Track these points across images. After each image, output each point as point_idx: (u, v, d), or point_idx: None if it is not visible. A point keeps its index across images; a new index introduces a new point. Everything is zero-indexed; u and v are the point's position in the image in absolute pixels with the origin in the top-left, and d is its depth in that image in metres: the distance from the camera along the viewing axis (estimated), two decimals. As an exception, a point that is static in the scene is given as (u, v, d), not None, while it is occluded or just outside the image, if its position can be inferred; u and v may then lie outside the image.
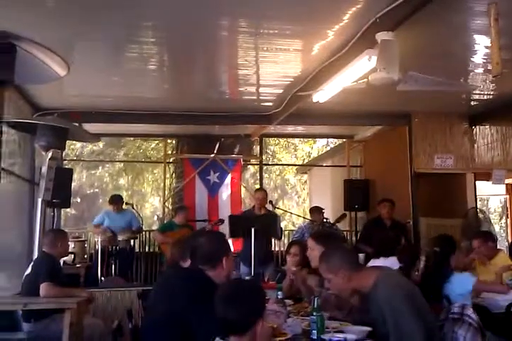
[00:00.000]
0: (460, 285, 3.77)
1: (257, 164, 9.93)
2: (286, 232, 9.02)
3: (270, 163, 14.38)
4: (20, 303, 4.18)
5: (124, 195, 11.32)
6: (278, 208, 7.71)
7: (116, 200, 7.69)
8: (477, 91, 6.02)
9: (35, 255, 4.78)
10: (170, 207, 8.85)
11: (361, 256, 5.69)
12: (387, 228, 6.71)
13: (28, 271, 4.46)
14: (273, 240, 6.95)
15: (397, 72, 3.52)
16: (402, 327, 2.45)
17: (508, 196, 10.30)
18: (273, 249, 7.09)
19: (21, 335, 4.29)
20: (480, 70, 5.14)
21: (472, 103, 6.66)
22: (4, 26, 3.75)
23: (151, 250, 8.40)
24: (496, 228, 9.98)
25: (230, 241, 5.56)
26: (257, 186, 9.02)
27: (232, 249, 2.94)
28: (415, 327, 2.44)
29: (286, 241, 8.46)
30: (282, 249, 7.52)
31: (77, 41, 4.37)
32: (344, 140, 9.36)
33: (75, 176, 7.97)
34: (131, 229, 7.43)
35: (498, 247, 5.59)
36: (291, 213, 12.46)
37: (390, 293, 2.56)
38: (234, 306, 2.04)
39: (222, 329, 2.06)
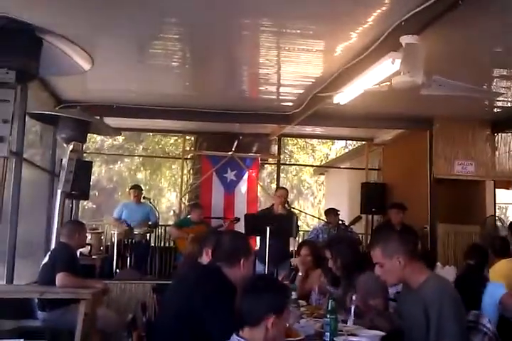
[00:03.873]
0: (489, 294, 3.60)
1: (274, 163, 9.93)
2: (301, 233, 9.02)
3: (287, 162, 14.36)
4: (37, 292, 4.22)
5: (142, 189, 11.41)
6: (293, 208, 7.69)
7: (137, 186, 7.95)
8: (500, 98, 5.95)
9: (53, 245, 4.84)
10: (186, 203, 8.90)
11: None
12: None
13: (46, 260, 4.51)
14: (291, 239, 6.94)
15: (421, 76, 3.49)
16: (444, 331, 2.40)
17: (527, 205, 10.15)
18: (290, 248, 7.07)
19: (37, 323, 4.34)
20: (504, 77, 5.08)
21: (495, 110, 6.57)
22: (30, 20, 3.81)
23: (167, 245, 8.46)
24: (514, 237, 9.82)
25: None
26: (273, 185, 9.03)
27: (253, 253, 2.93)
28: (458, 332, 2.39)
29: (301, 241, 8.45)
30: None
31: (102, 36, 4.41)
32: (363, 142, 9.31)
33: (94, 169, 8.07)
34: (148, 222, 7.50)
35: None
36: (306, 214, 12.41)
37: (441, 294, 2.49)
38: (248, 296, 2.13)
39: (237, 320, 2.12)
